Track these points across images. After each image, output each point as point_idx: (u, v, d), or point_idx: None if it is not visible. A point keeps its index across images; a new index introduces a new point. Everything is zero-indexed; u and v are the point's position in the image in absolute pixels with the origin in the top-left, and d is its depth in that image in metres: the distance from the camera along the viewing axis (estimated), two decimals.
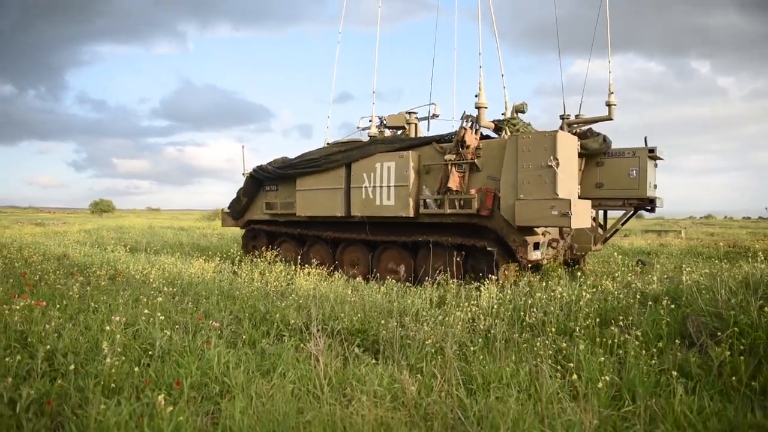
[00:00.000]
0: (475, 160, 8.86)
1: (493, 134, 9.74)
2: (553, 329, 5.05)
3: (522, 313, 5.94)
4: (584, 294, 6.10)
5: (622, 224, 10.43)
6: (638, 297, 6.00)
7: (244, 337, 4.92)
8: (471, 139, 8.86)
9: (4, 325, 5.27)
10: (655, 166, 9.84)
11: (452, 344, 4.62)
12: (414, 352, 4.49)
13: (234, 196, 13.19)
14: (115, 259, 11.70)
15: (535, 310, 5.98)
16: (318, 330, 4.05)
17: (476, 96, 9.46)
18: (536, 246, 8.59)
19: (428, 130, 10.95)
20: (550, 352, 4.49)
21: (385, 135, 11.33)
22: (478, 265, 8.84)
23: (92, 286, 7.94)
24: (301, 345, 4.53)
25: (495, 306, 6.11)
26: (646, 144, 9.51)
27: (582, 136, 9.65)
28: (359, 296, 6.77)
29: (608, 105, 9.96)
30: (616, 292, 6.58)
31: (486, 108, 9.41)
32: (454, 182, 8.83)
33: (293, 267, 9.61)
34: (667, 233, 26.73)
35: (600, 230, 10.30)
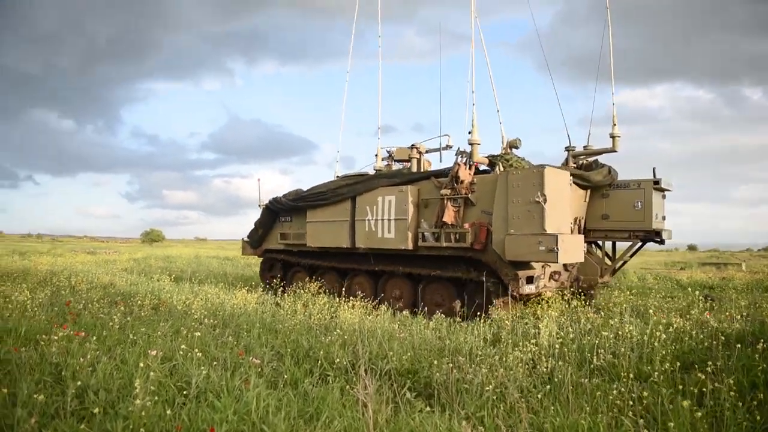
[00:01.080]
0: (470, 195, 9.08)
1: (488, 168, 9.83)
2: (630, 374, 4.47)
3: (588, 354, 5.39)
4: (659, 334, 5.51)
5: (631, 256, 10.28)
6: (721, 338, 5.36)
7: (285, 376, 4.56)
8: (465, 175, 9.12)
9: (41, 356, 5.09)
10: (663, 197, 9.87)
11: (514, 390, 4.14)
12: (473, 398, 4.02)
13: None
14: (160, 288, 11.63)
15: (602, 351, 5.43)
16: (366, 372, 3.64)
17: (469, 133, 9.42)
18: (530, 280, 8.62)
19: (441, 161, 10.96)
20: (630, 402, 3.94)
21: (392, 168, 11.65)
22: (474, 298, 8.84)
23: (134, 316, 7.78)
24: (348, 387, 4.13)
25: (557, 345, 5.59)
26: (654, 175, 9.47)
27: (587, 168, 9.88)
28: (407, 332, 6.35)
29: (612, 137, 10.16)
30: (693, 332, 5.95)
31: (479, 144, 9.39)
32: (449, 216, 9.07)
33: (336, 299, 9.26)
34: (726, 266, 25.27)
35: (608, 261, 10.25)
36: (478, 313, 7.85)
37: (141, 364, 4.09)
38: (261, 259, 14.05)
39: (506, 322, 6.95)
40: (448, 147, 11.26)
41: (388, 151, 12.04)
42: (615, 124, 10.17)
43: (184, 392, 3.94)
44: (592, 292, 10.00)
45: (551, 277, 9.16)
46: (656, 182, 9.33)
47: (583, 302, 8.76)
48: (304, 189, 12.29)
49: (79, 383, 3.93)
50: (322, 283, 11.10)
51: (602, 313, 8.38)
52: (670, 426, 3.41)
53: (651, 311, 7.63)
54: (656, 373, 4.56)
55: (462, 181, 9.08)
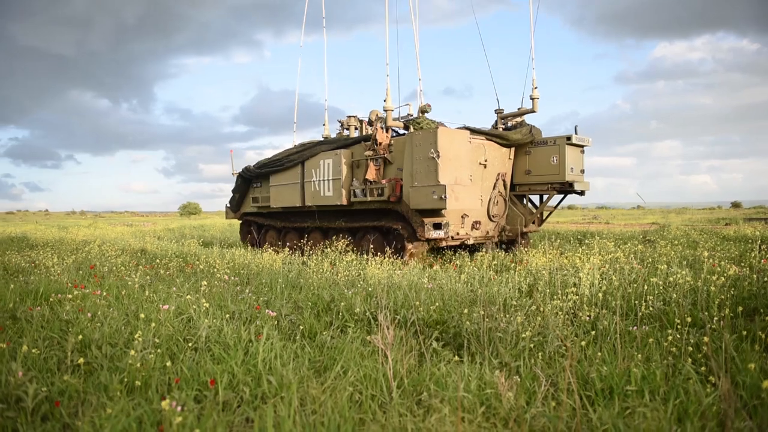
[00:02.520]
0: (387, 155, 10.42)
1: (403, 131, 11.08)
2: (685, 321, 3.98)
3: (635, 302, 4.90)
4: (715, 278, 4.97)
5: (555, 207, 11.69)
6: None
7: (302, 327, 4.22)
8: (382, 137, 10.49)
9: (54, 314, 4.91)
10: (582, 152, 10.80)
11: (554, 338, 3.72)
12: (507, 347, 3.61)
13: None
14: (188, 251, 11.54)
15: (651, 298, 4.93)
16: (387, 319, 3.26)
17: (384, 101, 10.75)
18: (437, 226, 9.51)
19: (406, 129, 11.39)
20: (688, 349, 3.47)
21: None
22: (395, 243, 10.07)
23: (157, 276, 7.63)
24: (368, 338, 3.77)
25: (600, 294, 5.12)
26: (576, 132, 10.55)
27: (509, 129, 11.19)
28: (436, 285, 5.95)
29: (532, 99, 11.39)
30: (753, 277, 5.38)
31: (392, 110, 10.82)
32: (371, 174, 10.49)
33: (365, 256, 8.94)
34: None
35: (534, 212, 11.19)
36: (399, 255, 9.51)
37: (142, 315, 3.81)
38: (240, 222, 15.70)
39: (544, 272, 6.48)
40: (410, 115, 11.95)
41: (339, 121, 13.40)
42: (535, 87, 11.35)
43: (191, 344, 3.64)
44: (515, 240, 11.06)
45: (473, 226, 10.19)
46: (568, 138, 10.37)
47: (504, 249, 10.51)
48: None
49: (80, 337, 3.68)
50: (285, 240, 12.95)
51: (646, 264, 7.85)
52: (737, 372, 2.94)
53: (705, 256, 7.00)
54: (715, 319, 4.06)
55: (380, 143, 10.46)
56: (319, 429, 2.18)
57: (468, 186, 9.67)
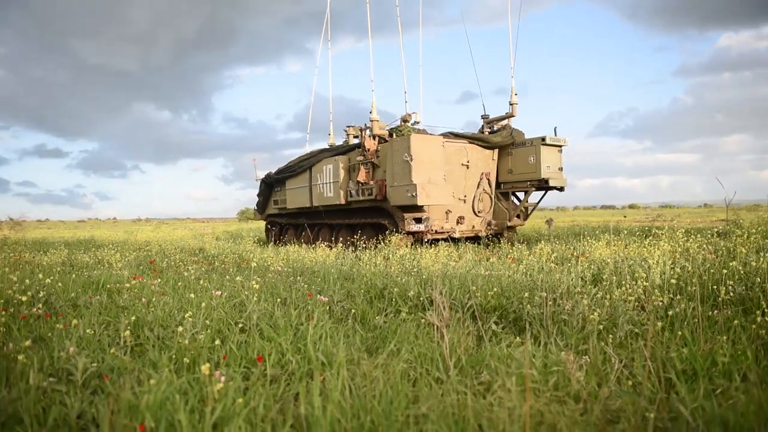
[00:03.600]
0: (375, 160, 11.75)
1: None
2: None
3: (713, 288, 4.50)
4: None
5: (537, 203, 12.54)
6: None
7: (353, 311, 4.08)
8: (370, 144, 11.88)
9: (111, 301, 5.00)
10: (559, 151, 11.71)
11: (624, 322, 3.43)
12: (573, 330, 3.35)
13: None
14: (244, 250, 11.70)
15: (732, 283, 4.52)
16: (443, 301, 3.06)
17: (370, 112, 12.28)
18: (418, 220, 10.77)
19: (390, 136, 12.35)
20: None
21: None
22: (384, 237, 10.83)
23: (214, 269, 7.70)
24: (422, 314, 3.59)
25: (672, 281, 4.73)
26: (555, 133, 11.60)
27: (491, 133, 12.45)
28: (494, 274, 5.69)
29: (511, 104, 12.41)
30: None
31: (377, 120, 12.19)
32: (361, 176, 11.81)
33: (418, 250, 8.77)
34: None
35: (518, 208, 12.22)
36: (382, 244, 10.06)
37: (192, 295, 3.76)
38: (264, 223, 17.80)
39: (608, 261, 6.11)
40: (417, 123, 12.72)
41: (344, 130, 14.43)
42: (515, 93, 12.39)
43: (240, 325, 3.56)
44: (501, 233, 12.13)
45: (457, 221, 11.53)
46: (543, 139, 11.38)
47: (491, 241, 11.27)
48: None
49: (133, 318, 3.68)
50: (300, 236, 14.45)
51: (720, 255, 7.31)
52: None
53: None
54: None
55: (368, 149, 11.82)
56: (370, 402, 2.02)
57: (441, 184, 10.73)
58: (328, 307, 4.29)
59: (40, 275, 5.83)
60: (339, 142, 14.97)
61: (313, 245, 11.37)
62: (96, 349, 3.30)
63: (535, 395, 2.09)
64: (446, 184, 10.90)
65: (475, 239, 11.76)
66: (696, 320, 3.46)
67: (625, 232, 11.53)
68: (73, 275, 6.25)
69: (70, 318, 4.40)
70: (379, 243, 10.20)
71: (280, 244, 13.50)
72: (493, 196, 12.18)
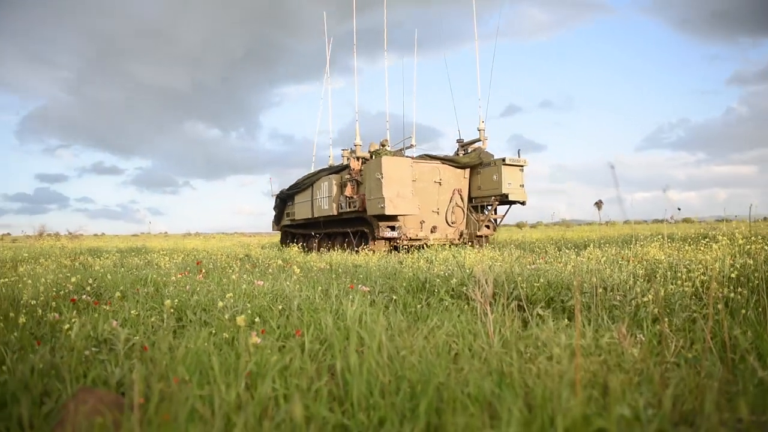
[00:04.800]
0: (358, 177, 13.73)
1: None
2: None
3: None
4: None
5: (504, 215, 14.30)
6: None
7: (394, 297, 4.01)
8: (354, 164, 14.04)
9: (157, 291, 5.10)
10: (521, 170, 13.47)
11: (681, 309, 3.23)
12: (625, 316, 3.18)
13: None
14: (289, 256, 11.80)
15: None
16: (487, 277, 2.95)
17: (354, 141, 15.09)
18: (392, 228, 12.72)
19: (371, 157, 14.18)
20: None
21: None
22: (366, 241, 13.11)
23: (258, 270, 7.77)
24: (466, 307, 3.48)
25: (732, 275, 4.46)
26: (519, 155, 13.44)
27: (465, 154, 14.56)
28: (541, 271, 5.50)
29: (479, 130, 14.67)
30: None
31: (360, 145, 15.07)
32: (348, 191, 13.89)
33: (462, 252, 8.63)
34: None
35: (487, 220, 13.86)
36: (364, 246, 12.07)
37: (234, 277, 3.77)
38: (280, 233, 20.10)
39: (662, 260, 5.83)
40: (412, 146, 15.15)
41: (344, 149, 16.34)
42: (482, 121, 14.68)
43: (281, 307, 3.54)
44: (472, 241, 13.63)
45: (431, 230, 13.49)
46: (504, 160, 13.17)
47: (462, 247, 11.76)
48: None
49: (177, 301, 3.71)
50: (308, 243, 16.23)
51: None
52: None
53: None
54: None
55: (353, 169, 13.94)
56: (409, 372, 1.93)
57: (408, 198, 12.54)
58: (369, 297, 4.23)
59: (90, 279, 6.01)
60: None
61: (320, 251, 13.11)
62: (140, 329, 3.33)
63: (587, 361, 1.96)
64: (413, 198, 12.76)
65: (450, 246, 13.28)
66: (760, 309, 3.23)
67: (679, 237, 11.07)
68: (123, 271, 6.39)
69: (116, 306, 4.51)
70: (365, 247, 12.00)
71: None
72: (465, 209, 14.06)
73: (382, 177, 12.22)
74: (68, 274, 5.49)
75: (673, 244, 8.76)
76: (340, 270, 7.09)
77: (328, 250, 12.75)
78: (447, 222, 13.70)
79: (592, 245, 9.87)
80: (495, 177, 13.27)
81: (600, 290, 3.51)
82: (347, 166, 14.59)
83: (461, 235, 13.81)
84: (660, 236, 12.04)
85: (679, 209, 7.07)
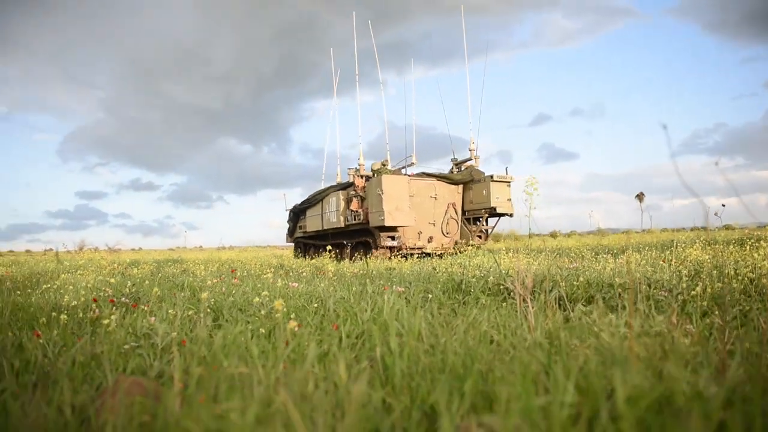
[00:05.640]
0: (362, 193, 15.36)
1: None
2: None
3: None
4: None
5: (494, 226, 15.71)
6: None
7: (430, 296, 3.95)
8: (358, 181, 15.62)
9: (193, 295, 5.14)
10: (508, 186, 14.88)
11: (732, 302, 3.09)
12: (673, 309, 3.05)
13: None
14: (322, 264, 11.85)
15: None
16: (526, 271, 2.88)
17: (358, 161, 16.62)
18: (392, 238, 14.26)
19: (373, 176, 15.84)
20: None
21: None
22: (369, 250, 14.40)
23: (291, 277, 7.81)
24: (504, 304, 3.40)
25: None
26: (507, 173, 14.87)
27: (458, 172, 16.11)
28: (581, 270, 5.37)
29: (470, 150, 16.21)
30: None
31: (363, 165, 16.50)
32: (354, 206, 15.34)
33: (494, 258, 8.50)
34: None
35: (480, 230, 15.33)
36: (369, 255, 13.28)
37: (269, 274, 3.76)
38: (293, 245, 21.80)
39: (705, 260, 5.63)
40: (413, 164, 16.64)
41: (349, 168, 17.71)
42: (473, 142, 16.22)
43: (316, 306, 3.52)
44: (463, 250, 13.88)
45: (429, 239, 14.94)
46: (491, 176, 14.59)
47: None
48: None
49: (212, 301, 3.73)
50: (318, 253, 17.16)
51: None
52: None
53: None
54: None
55: (357, 186, 15.54)
56: (449, 357, 1.88)
57: (405, 211, 14.08)
58: (404, 297, 4.19)
59: (129, 282, 6.12)
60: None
61: (340, 259, 14.21)
62: (177, 326, 3.36)
63: (641, 341, 1.87)
64: (410, 211, 14.35)
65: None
66: None
67: (722, 241, 10.71)
68: (160, 277, 6.48)
69: (155, 305, 4.56)
70: (369, 255, 13.44)
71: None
72: (459, 221, 15.51)
73: (382, 193, 13.86)
74: (108, 279, 5.59)
75: (717, 246, 8.48)
76: (374, 273, 7.06)
77: (337, 258, 14.07)
78: (443, 232, 15.24)
79: (630, 249, 9.62)
80: (485, 192, 14.72)
81: (644, 287, 3.39)
82: (352, 183, 16.11)
83: (456, 244, 15.08)
84: (701, 240, 11.69)
85: (723, 205, 6.86)
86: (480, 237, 15.40)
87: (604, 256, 9.61)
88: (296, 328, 1.86)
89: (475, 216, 15.45)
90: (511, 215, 15.03)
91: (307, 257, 17.64)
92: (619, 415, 1.01)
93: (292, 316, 2.93)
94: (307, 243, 19.56)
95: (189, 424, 1.02)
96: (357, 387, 1.13)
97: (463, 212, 15.69)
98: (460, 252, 14.20)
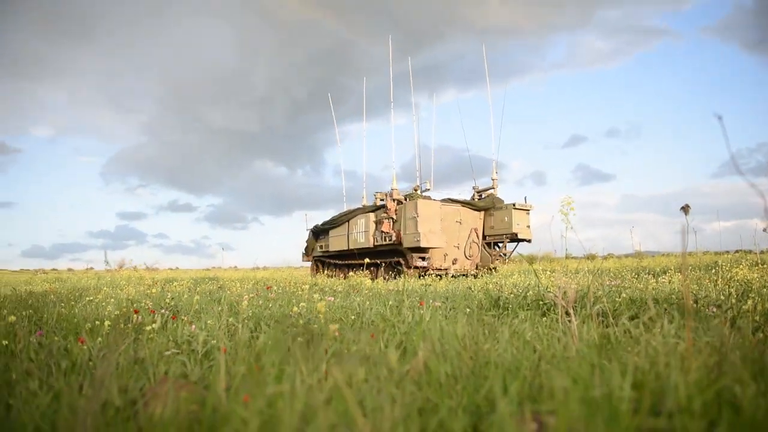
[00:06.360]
0: (394, 216, 16.18)
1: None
2: None
3: None
4: None
5: (512, 251, 16.71)
6: None
7: (468, 310, 3.90)
8: (390, 205, 16.43)
9: (230, 308, 5.21)
10: (528, 213, 16.18)
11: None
12: (724, 323, 2.93)
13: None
14: (356, 283, 11.87)
15: None
16: (568, 283, 2.82)
17: (391, 185, 17.54)
18: (422, 258, 15.13)
19: (406, 200, 16.95)
20: None
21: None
22: (400, 270, 15.31)
23: (325, 293, 7.84)
24: (544, 318, 3.33)
25: None
26: (525, 201, 16.12)
27: (480, 199, 17.32)
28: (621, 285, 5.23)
29: (492, 179, 17.48)
30: None
31: (396, 189, 17.28)
32: (386, 227, 16.15)
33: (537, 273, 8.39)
34: None
35: (499, 254, 16.40)
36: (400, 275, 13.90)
37: (305, 287, 3.77)
38: (310, 263, 22.73)
39: (753, 279, 5.43)
40: (428, 189, 17.59)
41: (377, 192, 18.73)
42: (496, 171, 17.61)
43: (353, 317, 3.51)
44: (484, 270, 15.62)
45: (453, 261, 15.86)
46: (513, 204, 15.91)
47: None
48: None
49: (251, 313, 3.76)
50: (340, 271, 18.50)
51: None
52: None
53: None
54: None
55: (389, 209, 16.32)
56: (488, 368, 1.84)
57: (438, 233, 15.21)
58: (441, 312, 4.14)
59: (169, 294, 6.24)
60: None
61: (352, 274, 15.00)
62: (217, 336, 3.39)
63: (695, 345, 1.80)
64: (441, 233, 15.48)
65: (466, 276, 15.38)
66: None
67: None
68: (198, 292, 6.58)
69: (194, 317, 4.63)
70: (398, 275, 14.40)
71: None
72: (480, 245, 16.59)
73: (417, 216, 14.91)
74: (148, 291, 5.71)
75: (765, 267, 8.18)
76: (409, 289, 7.03)
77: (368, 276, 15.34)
78: (465, 255, 16.30)
79: (672, 268, 9.36)
80: (506, 218, 15.89)
81: (691, 303, 3.27)
82: (382, 206, 17.08)
83: (477, 267, 16.25)
84: (747, 260, 11.28)
85: (765, 230, 6.64)
86: (498, 260, 16.39)
87: (645, 276, 9.36)
88: (337, 328, 1.85)
89: (495, 240, 16.49)
90: (529, 241, 16.10)
91: (324, 274, 18.43)
92: (681, 407, 0.97)
93: (331, 326, 2.92)
94: (326, 262, 20.41)
95: (239, 410, 1.02)
96: (413, 363, 1.11)
97: (484, 237, 16.75)
98: (475, 276, 14.75)
